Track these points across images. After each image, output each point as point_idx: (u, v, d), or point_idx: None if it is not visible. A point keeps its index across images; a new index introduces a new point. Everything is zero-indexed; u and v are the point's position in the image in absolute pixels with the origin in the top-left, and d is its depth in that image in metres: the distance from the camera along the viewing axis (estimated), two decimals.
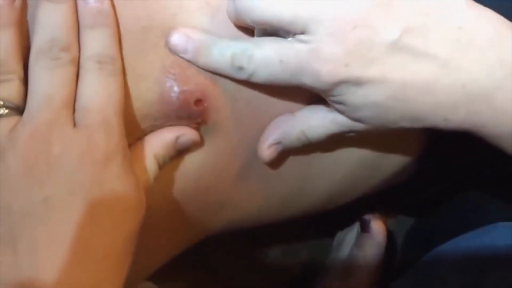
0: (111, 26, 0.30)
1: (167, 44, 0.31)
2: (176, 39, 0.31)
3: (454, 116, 0.29)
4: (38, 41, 0.29)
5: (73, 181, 0.27)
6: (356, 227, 0.49)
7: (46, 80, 0.28)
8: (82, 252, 0.26)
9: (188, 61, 0.31)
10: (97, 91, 0.29)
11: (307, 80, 0.29)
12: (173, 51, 0.31)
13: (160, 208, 0.34)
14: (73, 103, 0.29)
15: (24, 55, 0.29)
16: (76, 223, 0.27)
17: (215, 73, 0.32)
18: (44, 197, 0.26)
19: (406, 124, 0.30)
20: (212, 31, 0.31)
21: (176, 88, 0.31)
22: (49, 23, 0.29)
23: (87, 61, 0.29)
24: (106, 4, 0.30)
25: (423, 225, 0.53)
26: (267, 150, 0.34)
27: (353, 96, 0.29)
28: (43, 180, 0.27)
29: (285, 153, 0.35)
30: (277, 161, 0.35)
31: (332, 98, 0.30)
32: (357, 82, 0.28)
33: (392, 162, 0.39)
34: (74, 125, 0.28)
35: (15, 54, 0.29)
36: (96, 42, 0.29)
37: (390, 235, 0.51)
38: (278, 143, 0.33)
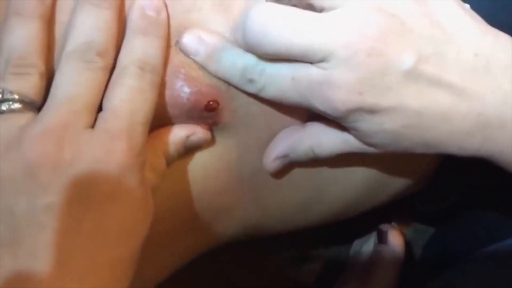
0: (163, 39, 0.29)
1: (178, 43, 0.30)
2: (188, 40, 0.30)
3: (470, 143, 0.29)
4: (74, 41, 0.28)
5: (82, 191, 0.25)
6: (373, 237, 0.48)
7: (73, 80, 0.27)
8: (87, 263, 0.25)
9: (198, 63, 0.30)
10: (131, 96, 0.28)
11: (319, 105, 0.28)
12: (184, 51, 0.30)
13: (166, 208, 0.33)
14: (96, 109, 0.27)
15: (51, 53, 0.29)
16: (82, 234, 0.25)
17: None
18: (48, 204, 0.25)
19: (420, 150, 0.30)
20: (225, 34, 0.31)
21: (186, 89, 0.30)
22: (89, 25, 0.28)
23: (129, 65, 0.28)
24: (163, 16, 0.29)
25: (442, 235, 0.51)
26: (272, 162, 0.33)
27: (366, 123, 0.28)
28: (48, 186, 0.25)
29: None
30: (288, 168, 0.34)
31: (344, 124, 0.30)
32: (371, 111, 0.28)
33: (409, 173, 0.38)
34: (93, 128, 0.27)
35: (38, 48, 0.28)
36: (143, 48, 0.29)
37: (407, 245, 0.49)
38: (285, 156, 0.33)
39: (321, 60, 0.27)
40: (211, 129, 0.32)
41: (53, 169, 0.25)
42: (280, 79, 0.29)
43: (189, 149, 0.32)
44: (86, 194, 0.26)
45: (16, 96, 0.27)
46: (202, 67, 0.30)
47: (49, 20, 0.29)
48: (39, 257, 0.25)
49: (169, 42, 0.30)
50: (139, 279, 0.28)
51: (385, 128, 0.28)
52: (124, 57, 0.29)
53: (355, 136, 0.30)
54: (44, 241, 0.25)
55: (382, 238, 0.47)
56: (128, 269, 0.27)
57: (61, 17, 0.29)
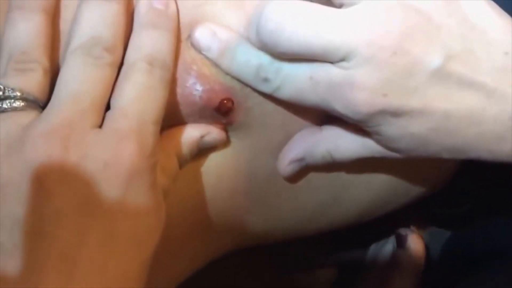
0: (172, 33, 0.28)
1: (190, 38, 0.29)
2: (201, 34, 0.29)
3: (500, 148, 0.27)
4: (80, 36, 0.26)
5: (89, 196, 0.24)
6: (390, 242, 0.47)
7: (79, 77, 0.26)
8: (95, 274, 0.24)
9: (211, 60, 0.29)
10: (140, 93, 0.26)
11: (339, 108, 0.27)
12: (195, 47, 0.29)
13: (177, 213, 0.32)
14: (103, 108, 0.26)
15: (56, 48, 0.27)
16: (90, 244, 0.24)
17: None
18: (53, 211, 0.23)
19: (447, 155, 0.28)
20: (238, 29, 0.29)
21: (198, 87, 0.29)
22: (96, 20, 0.27)
23: (137, 61, 0.27)
24: (172, 9, 0.28)
25: (459, 238, 0.50)
26: (287, 166, 0.32)
27: (390, 127, 0.27)
28: (52, 191, 0.24)
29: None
30: (304, 171, 0.33)
31: (366, 128, 0.28)
32: (395, 113, 0.26)
33: (429, 176, 0.37)
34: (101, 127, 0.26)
35: (42, 42, 0.27)
36: (152, 43, 0.27)
37: (426, 249, 0.48)
38: (301, 159, 0.31)
39: (342, 60, 0.26)
40: (225, 129, 0.31)
41: (58, 173, 0.24)
42: (297, 79, 0.27)
43: (202, 150, 0.31)
44: (94, 200, 0.24)
45: (19, 94, 0.25)
46: (215, 64, 0.29)
47: (54, 15, 0.27)
48: (44, 268, 0.23)
49: (180, 37, 0.29)
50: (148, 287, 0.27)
51: (410, 132, 0.27)
52: (132, 52, 0.27)
53: (378, 141, 0.29)
54: (49, 251, 0.23)
55: (401, 243, 0.45)
56: (138, 280, 0.25)
57: (66, 14, 0.28)
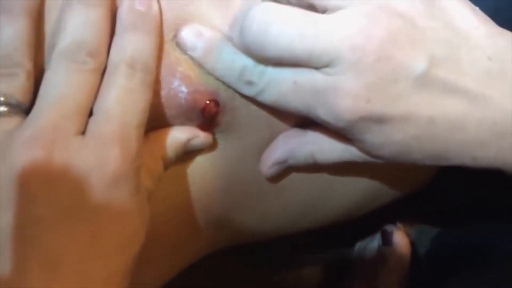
0: (154, 34, 0.28)
1: (175, 38, 0.29)
2: (187, 33, 0.29)
3: (484, 154, 0.27)
4: (63, 41, 0.26)
5: (74, 201, 0.24)
6: (376, 239, 0.47)
7: (63, 82, 0.25)
8: (80, 278, 0.24)
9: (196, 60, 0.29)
10: (122, 98, 0.26)
11: (322, 113, 0.27)
12: (181, 46, 0.29)
13: (163, 211, 0.32)
14: (87, 112, 0.26)
15: (40, 52, 0.27)
16: (74, 248, 0.24)
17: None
18: (37, 217, 0.23)
19: (430, 162, 0.28)
20: (223, 30, 0.29)
21: (183, 88, 0.29)
22: (79, 24, 0.26)
23: (119, 65, 0.26)
24: (154, 10, 0.28)
25: (447, 235, 0.51)
26: (270, 168, 0.32)
27: (373, 134, 0.27)
28: (37, 197, 0.24)
29: None
30: (288, 171, 0.33)
31: (348, 136, 0.28)
32: (378, 120, 0.26)
33: (414, 174, 0.37)
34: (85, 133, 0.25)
35: (25, 46, 0.26)
36: (133, 45, 0.27)
37: (411, 246, 0.48)
38: (284, 162, 0.31)
39: (326, 65, 0.26)
40: (212, 132, 0.31)
41: (42, 179, 0.24)
42: (281, 83, 0.27)
43: (188, 152, 0.31)
44: (78, 206, 0.24)
45: (2, 98, 0.25)
46: (200, 64, 0.29)
47: (37, 18, 0.27)
48: (28, 273, 0.23)
49: (165, 38, 0.29)
50: (138, 285, 0.27)
51: (393, 139, 0.27)
52: (114, 55, 0.27)
53: (360, 148, 0.29)
54: (33, 256, 0.23)
55: (387, 240, 0.45)
56: (122, 281, 0.26)
57: (50, 15, 0.28)
